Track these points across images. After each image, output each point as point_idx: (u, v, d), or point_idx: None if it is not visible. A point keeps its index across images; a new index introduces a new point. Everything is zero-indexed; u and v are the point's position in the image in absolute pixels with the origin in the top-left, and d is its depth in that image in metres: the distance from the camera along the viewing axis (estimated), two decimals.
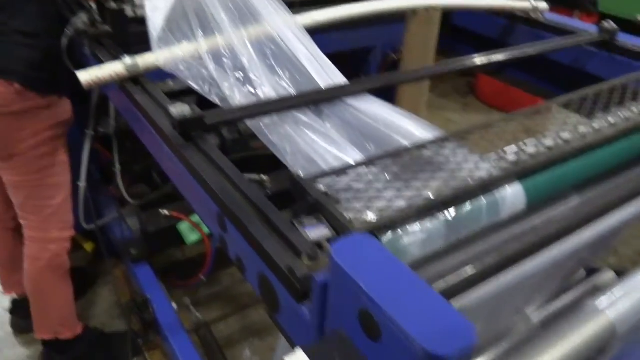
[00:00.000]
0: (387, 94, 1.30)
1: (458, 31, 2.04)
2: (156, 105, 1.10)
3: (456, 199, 0.84)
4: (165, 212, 1.95)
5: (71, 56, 1.53)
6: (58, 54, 1.50)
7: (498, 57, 1.41)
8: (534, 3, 1.86)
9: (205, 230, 1.92)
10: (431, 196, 0.83)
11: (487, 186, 0.88)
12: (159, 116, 1.07)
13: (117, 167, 1.83)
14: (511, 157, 1.00)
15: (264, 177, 2.10)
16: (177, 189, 1.11)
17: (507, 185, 0.91)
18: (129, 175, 2.24)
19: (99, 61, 1.39)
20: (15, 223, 1.78)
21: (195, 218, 1.93)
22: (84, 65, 1.53)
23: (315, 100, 1.10)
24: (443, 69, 1.29)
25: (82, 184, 1.80)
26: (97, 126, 1.85)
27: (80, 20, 1.48)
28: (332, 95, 1.12)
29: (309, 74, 1.20)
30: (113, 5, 1.44)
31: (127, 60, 1.19)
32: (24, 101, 1.50)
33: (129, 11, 1.47)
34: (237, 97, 1.14)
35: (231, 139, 2.34)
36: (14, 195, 1.67)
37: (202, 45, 1.21)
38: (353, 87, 1.15)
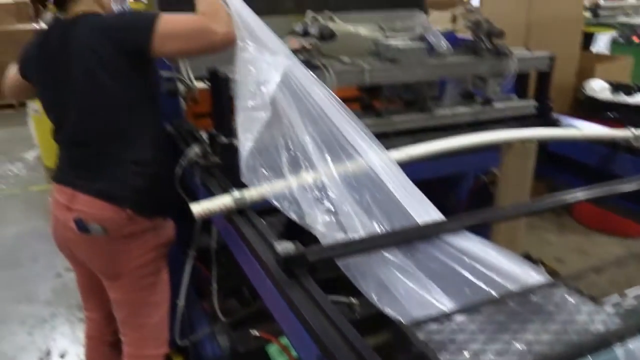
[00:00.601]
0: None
1: (555, 158, 2.01)
2: (261, 239, 1.15)
3: (571, 355, 0.79)
4: (255, 332, 1.96)
5: (182, 183, 1.67)
6: (164, 180, 1.64)
7: (601, 191, 1.37)
8: (635, 132, 1.81)
9: (294, 354, 1.90)
10: (543, 353, 0.78)
11: (606, 340, 0.82)
12: (263, 250, 1.12)
13: (214, 287, 1.89)
14: (630, 304, 0.94)
15: (353, 300, 2.08)
16: (270, 312, 1.12)
17: (628, 340, 0.84)
18: (221, 290, 2.31)
19: (208, 190, 1.50)
20: (115, 338, 1.86)
21: (284, 340, 1.92)
22: (193, 192, 1.66)
23: (411, 237, 1.11)
24: (542, 205, 1.26)
25: (181, 302, 1.87)
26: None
27: (193, 151, 1.63)
28: (428, 233, 1.12)
29: (403, 208, 1.22)
30: (224, 139, 1.58)
31: (236, 193, 1.28)
32: (133, 225, 1.59)
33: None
34: (318, 219, 1.18)
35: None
36: (117, 312, 1.76)
37: (293, 179, 1.27)
38: (449, 224, 1.15)
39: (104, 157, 1.59)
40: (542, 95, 2.03)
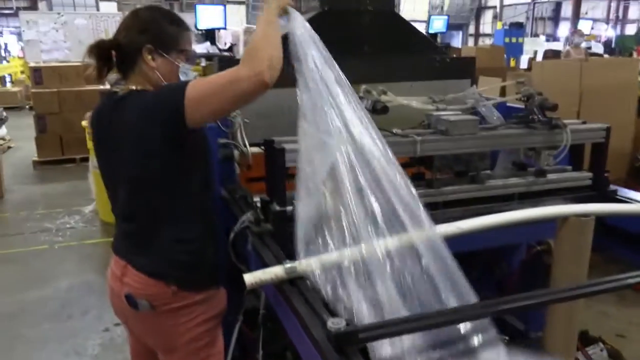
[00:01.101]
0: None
1: (612, 231, 1.94)
2: (312, 312, 1.15)
3: None
4: None
5: (234, 248, 1.69)
6: (211, 254, 1.62)
7: None
8: None
9: None
10: None
11: None
12: (313, 324, 1.11)
13: (260, 354, 1.88)
14: None
15: None
16: None
17: None
18: (265, 353, 2.29)
19: (259, 257, 1.52)
20: None
21: None
22: (245, 258, 1.69)
23: (460, 318, 1.09)
24: (604, 287, 1.22)
25: None
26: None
27: (247, 217, 1.67)
28: (475, 314, 1.10)
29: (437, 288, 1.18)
30: (276, 207, 1.61)
31: (287, 264, 1.29)
32: (180, 300, 1.56)
33: (290, 212, 1.62)
34: (355, 298, 1.16)
35: None
36: None
37: (336, 254, 1.27)
38: (506, 304, 1.12)
39: (150, 234, 1.57)
40: (597, 167, 1.99)
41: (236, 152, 2.01)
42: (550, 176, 1.92)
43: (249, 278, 1.27)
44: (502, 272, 2.52)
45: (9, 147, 8.47)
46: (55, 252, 4.53)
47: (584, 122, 2.03)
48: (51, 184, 6.61)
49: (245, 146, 1.98)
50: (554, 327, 1.65)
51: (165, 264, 1.55)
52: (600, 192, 1.98)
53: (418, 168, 1.86)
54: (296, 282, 1.30)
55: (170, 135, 1.46)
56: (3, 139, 8.47)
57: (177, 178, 1.55)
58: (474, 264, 2.68)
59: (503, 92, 4.65)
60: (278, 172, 1.58)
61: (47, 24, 10.54)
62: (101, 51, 1.55)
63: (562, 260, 1.54)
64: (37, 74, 7.34)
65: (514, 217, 1.47)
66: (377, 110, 1.61)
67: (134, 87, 1.56)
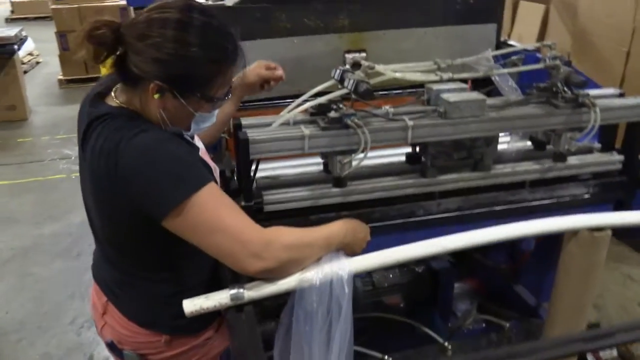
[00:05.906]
0: None
1: None
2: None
3: None
4: None
5: None
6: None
7: None
8: None
9: None
10: None
11: None
12: None
13: None
14: None
15: (387, 357, 1.91)
16: None
17: None
18: None
19: None
20: None
21: None
22: None
23: None
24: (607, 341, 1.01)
25: None
26: None
27: None
28: None
29: None
30: (241, 202, 1.43)
31: (234, 290, 1.13)
32: (176, 347, 1.34)
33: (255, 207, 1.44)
34: None
35: (363, 290, 2.21)
36: None
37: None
38: None
39: (130, 279, 1.30)
40: (631, 149, 1.69)
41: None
42: (571, 160, 1.64)
43: (189, 305, 1.12)
44: (516, 252, 2.32)
45: (37, 63, 8.40)
46: (72, 183, 4.53)
47: (622, 95, 1.70)
48: (75, 104, 6.50)
49: None
50: (557, 316, 1.44)
51: (154, 312, 1.31)
52: (631, 178, 1.70)
53: (414, 149, 1.62)
54: (244, 310, 1.15)
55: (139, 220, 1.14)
56: (31, 54, 8.39)
57: (156, 235, 1.16)
58: None
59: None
60: (243, 165, 1.37)
61: None
62: (102, 40, 1.11)
63: (566, 278, 1.33)
64: None
65: (507, 232, 1.24)
66: (359, 93, 1.34)
67: (124, 106, 1.17)
